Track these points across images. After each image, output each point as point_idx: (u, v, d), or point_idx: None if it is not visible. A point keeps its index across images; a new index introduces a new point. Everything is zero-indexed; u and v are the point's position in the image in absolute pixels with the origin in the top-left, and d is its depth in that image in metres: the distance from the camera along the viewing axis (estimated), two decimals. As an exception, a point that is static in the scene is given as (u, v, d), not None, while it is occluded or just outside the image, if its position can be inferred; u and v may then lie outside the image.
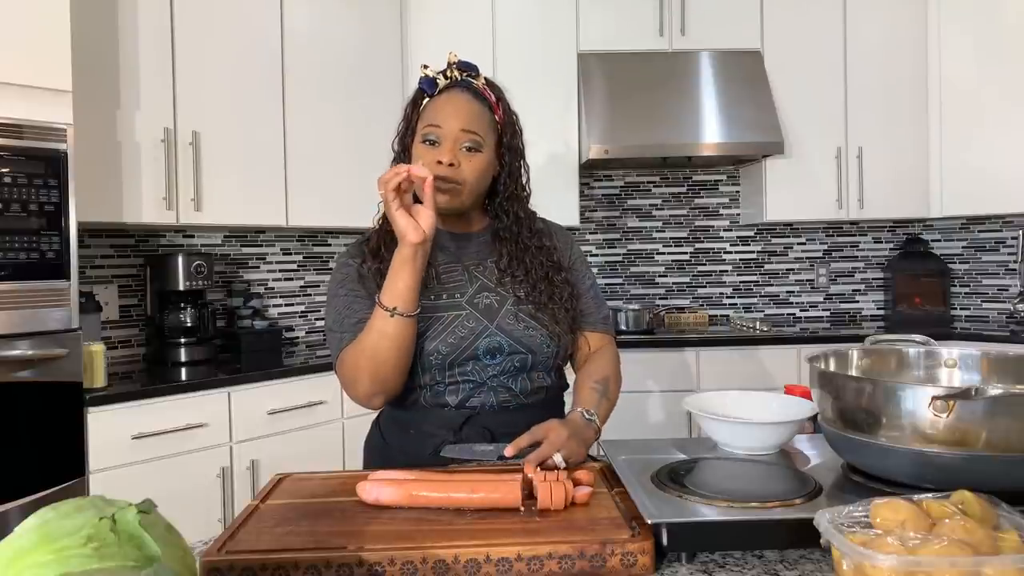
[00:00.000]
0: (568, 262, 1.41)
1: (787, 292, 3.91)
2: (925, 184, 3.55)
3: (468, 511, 0.91)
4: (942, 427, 0.84)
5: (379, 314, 1.19)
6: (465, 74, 1.33)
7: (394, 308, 1.18)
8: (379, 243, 1.35)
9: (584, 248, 1.35)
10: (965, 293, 3.80)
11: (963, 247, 3.81)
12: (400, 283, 1.18)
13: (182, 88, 2.65)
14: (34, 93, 2.08)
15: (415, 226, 1.16)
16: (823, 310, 3.91)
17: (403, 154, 1.36)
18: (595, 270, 1.38)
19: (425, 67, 1.34)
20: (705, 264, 3.88)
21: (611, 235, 3.85)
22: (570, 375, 1.43)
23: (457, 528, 0.86)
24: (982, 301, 3.75)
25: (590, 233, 3.82)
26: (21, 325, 2.05)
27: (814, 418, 1.10)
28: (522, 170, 1.39)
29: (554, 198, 2.52)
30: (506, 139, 1.35)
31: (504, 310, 1.30)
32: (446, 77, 1.33)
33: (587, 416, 1.24)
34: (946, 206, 3.52)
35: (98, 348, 2.30)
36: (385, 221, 1.38)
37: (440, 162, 1.27)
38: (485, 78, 1.36)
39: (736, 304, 3.89)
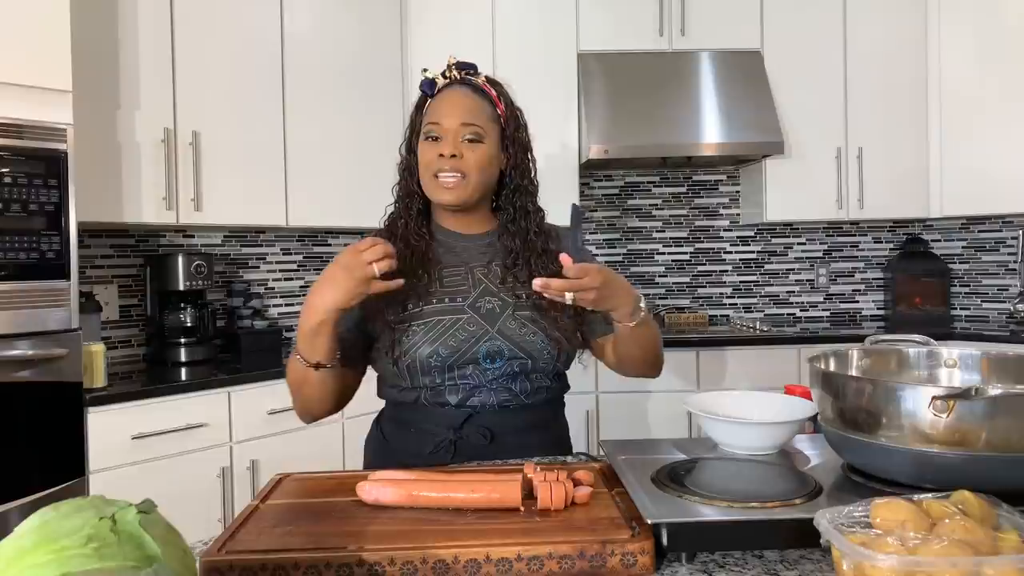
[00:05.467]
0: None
1: (787, 292, 3.91)
2: (925, 184, 3.55)
3: (468, 511, 0.91)
4: (942, 427, 0.84)
5: (297, 363, 1.19)
6: (464, 72, 1.35)
7: (316, 362, 1.18)
8: None
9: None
10: (965, 293, 3.80)
11: (963, 247, 3.81)
12: (320, 344, 1.16)
13: (182, 88, 2.65)
14: (34, 93, 2.08)
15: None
16: (823, 310, 3.91)
17: (409, 156, 1.37)
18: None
19: (425, 70, 1.36)
20: (705, 264, 3.88)
21: (611, 235, 3.85)
22: (572, 378, 1.43)
23: (457, 528, 0.86)
24: (982, 301, 3.75)
25: (590, 233, 3.82)
26: (21, 325, 2.05)
27: (814, 418, 1.10)
28: (529, 163, 1.38)
29: (554, 198, 2.50)
30: (509, 131, 1.35)
31: (505, 314, 1.30)
32: (445, 77, 1.35)
33: (638, 301, 1.22)
34: (946, 206, 3.53)
35: (98, 348, 2.30)
36: (390, 221, 1.39)
37: (442, 154, 1.28)
38: (486, 75, 1.37)
39: (736, 304, 3.89)
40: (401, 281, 1.15)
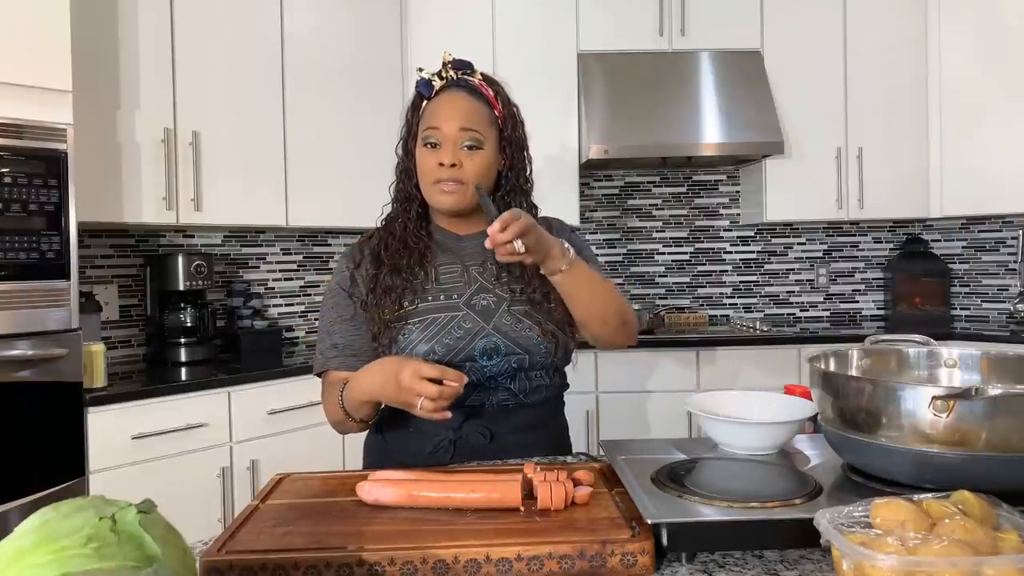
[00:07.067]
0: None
1: (787, 292, 3.91)
2: (925, 184, 3.55)
3: (468, 511, 0.91)
4: (942, 427, 0.84)
5: (343, 416, 1.27)
6: (460, 72, 1.33)
7: (360, 419, 1.27)
8: (380, 245, 1.35)
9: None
10: (965, 293, 3.80)
11: (963, 247, 3.81)
12: (364, 410, 1.26)
13: (182, 88, 2.65)
14: (34, 93, 2.08)
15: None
16: (823, 310, 3.91)
17: (407, 158, 1.36)
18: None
19: (420, 70, 1.34)
20: (705, 264, 3.88)
21: (611, 235, 3.85)
22: (572, 377, 1.43)
23: (457, 528, 0.86)
24: (982, 301, 3.75)
25: (590, 233, 3.82)
26: (21, 325, 2.05)
27: (814, 418, 1.10)
28: (525, 162, 1.38)
29: (554, 198, 2.53)
30: (507, 132, 1.34)
31: (501, 310, 1.30)
32: (441, 77, 1.33)
33: (563, 246, 1.22)
34: (946, 206, 3.52)
35: (98, 348, 2.30)
36: (388, 221, 1.39)
37: (442, 164, 1.27)
38: (482, 73, 1.35)
39: (736, 304, 3.89)
40: (448, 415, 1.13)
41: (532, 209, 1.39)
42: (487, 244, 1.12)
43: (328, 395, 1.31)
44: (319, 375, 1.37)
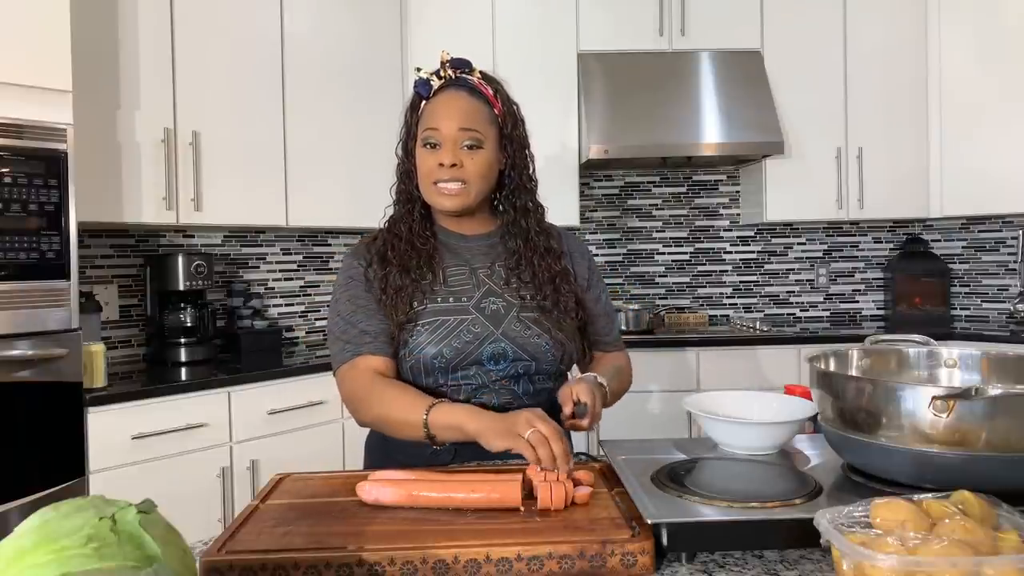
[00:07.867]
0: (586, 278, 1.42)
1: (787, 292, 3.91)
2: (925, 184, 3.55)
3: (468, 511, 0.91)
4: (942, 427, 0.84)
5: (418, 422, 1.18)
6: (459, 71, 1.33)
7: (433, 436, 1.18)
8: (385, 247, 1.35)
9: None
10: (965, 293, 3.80)
11: (963, 247, 3.81)
12: (454, 435, 1.17)
13: (182, 88, 2.65)
14: (34, 93, 2.08)
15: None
16: (823, 310, 3.91)
17: (407, 159, 1.36)
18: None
19: (418, 69, 1.34)
20: (705, 264, 3.88)
21: (611, 235, 3.85)
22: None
23: (457, 528, 0.86)
24: (982, 301, 3.75)
25: (590, 233, 3.82)
26: (21, 325, 2.05)
27: (814, 418, 1.10)
28: (527, 160, 1.37)
29: (554, 198, 2.50)
30: (507, 130, 1.34)
31: (510, 316, 1.30)
32: (440, 77, 1.32)
33: (598, 380, 1.26)
34: (946, 206, 3.52)
35: (98, 348, 2.30)
36: (392, 223, 1.38)
37: (442, 164, 1.27)
38: (481, 72, 1.34)
39: (736, 304, 3.89)
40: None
41: (539, 208, 1.39)
42: (567, 426, 1.17)
43: (368, 385, 1.24)
44: (337, 367, 1.31)
